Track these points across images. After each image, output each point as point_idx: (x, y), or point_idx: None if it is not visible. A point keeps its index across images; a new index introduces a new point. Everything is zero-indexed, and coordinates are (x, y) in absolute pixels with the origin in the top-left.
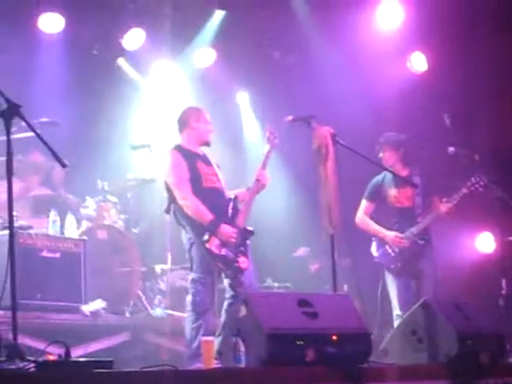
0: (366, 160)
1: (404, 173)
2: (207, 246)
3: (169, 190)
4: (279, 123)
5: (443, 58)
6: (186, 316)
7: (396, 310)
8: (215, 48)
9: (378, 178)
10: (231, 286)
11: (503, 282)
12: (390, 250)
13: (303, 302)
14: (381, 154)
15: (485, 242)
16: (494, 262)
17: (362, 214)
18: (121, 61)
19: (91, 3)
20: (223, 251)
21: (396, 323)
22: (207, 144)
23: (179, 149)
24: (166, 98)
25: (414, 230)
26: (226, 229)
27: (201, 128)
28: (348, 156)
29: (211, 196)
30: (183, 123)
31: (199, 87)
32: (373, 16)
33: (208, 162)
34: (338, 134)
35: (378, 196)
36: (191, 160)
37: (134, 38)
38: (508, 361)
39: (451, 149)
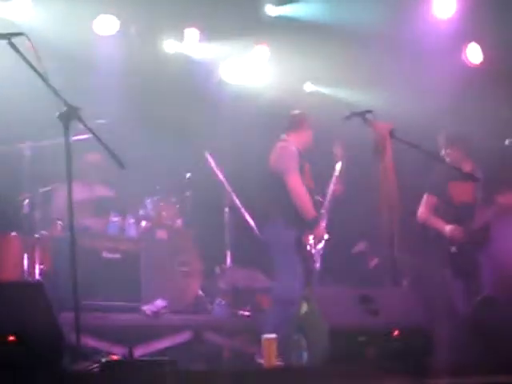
0: (427, 155)
1: (467, 168)
2: None
3: None
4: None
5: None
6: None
7: None
8: None
9: (440, 172)
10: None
11: None
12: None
13: (365, 299)
14: (447, 150)
15: None
16: None
17: (424, 208)
18: None
19: None
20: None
21: None
22: None
23: None
24: None
25: (474, 225)
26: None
27: None
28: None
29: None
30: None
31: None
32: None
33: None
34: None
35: (439, 191)
36: None
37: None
38: None
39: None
